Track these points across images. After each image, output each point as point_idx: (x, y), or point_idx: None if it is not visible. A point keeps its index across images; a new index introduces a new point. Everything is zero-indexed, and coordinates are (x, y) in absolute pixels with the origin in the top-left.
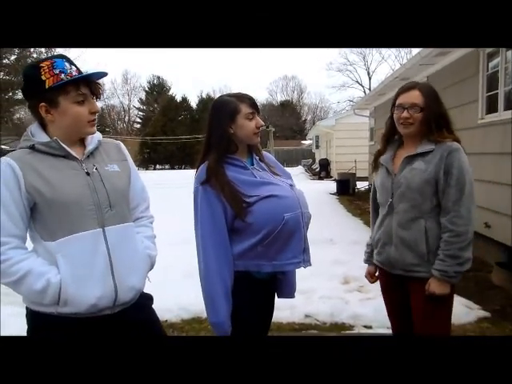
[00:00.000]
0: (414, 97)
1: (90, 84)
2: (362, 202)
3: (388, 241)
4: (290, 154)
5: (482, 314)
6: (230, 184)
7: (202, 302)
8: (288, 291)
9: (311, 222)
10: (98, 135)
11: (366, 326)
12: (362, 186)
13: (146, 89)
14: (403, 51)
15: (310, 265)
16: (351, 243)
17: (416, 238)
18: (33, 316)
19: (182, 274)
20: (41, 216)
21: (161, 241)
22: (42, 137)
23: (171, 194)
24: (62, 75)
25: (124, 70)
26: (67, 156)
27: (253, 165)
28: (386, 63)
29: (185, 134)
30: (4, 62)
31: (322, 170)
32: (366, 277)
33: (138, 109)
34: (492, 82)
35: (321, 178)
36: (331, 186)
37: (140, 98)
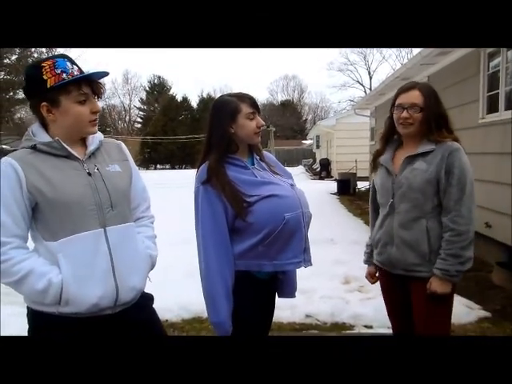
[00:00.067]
0: (414, 97)
1: (91, 84)
2: (363, 201)
3: (389, 241)
4: (290, 154)
5: (483, 313)
6: (230, 184)
7: (203, 302)
8: (289, 291)
9: (312, 222)
10: (99, 135)
11: (366, 326)
12: (362, 185)
13: (147, 88)
14: (404, 51)
15: (311, 264)
16: (352, 243)
17: (418, 238)
18: (34, 316)
19: (182, 273)
20: (42, 216)
21: (161, 240)
22: (43, 137)
23: (172, 194)
24: (64, 75)
25: (125, 70)
26: (69, 156)
27: (253, 164)
28: (386, 63)
29: (185, 133)
30: (5, 61)
31: (323, 170)
32: (366, 277)
33: (139, 108)
34: (493, 81)
35: (321, 178)
36: (332, 185)
37: (141, 98)
